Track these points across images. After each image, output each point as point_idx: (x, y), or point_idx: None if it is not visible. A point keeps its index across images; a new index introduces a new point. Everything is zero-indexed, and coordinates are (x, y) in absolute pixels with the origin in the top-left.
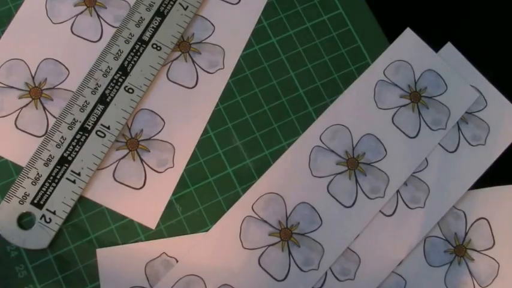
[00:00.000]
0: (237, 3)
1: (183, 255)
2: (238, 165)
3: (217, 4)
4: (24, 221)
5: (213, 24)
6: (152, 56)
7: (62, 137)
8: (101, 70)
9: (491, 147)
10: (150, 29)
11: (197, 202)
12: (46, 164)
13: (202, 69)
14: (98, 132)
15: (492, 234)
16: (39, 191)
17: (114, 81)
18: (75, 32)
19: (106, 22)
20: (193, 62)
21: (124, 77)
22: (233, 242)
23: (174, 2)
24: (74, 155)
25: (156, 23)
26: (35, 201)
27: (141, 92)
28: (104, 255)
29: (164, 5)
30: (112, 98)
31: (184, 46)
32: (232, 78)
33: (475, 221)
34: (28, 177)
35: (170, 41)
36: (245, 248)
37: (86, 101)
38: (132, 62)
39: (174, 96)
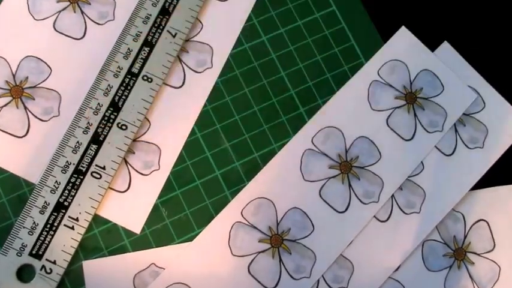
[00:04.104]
0: (225, 0)
1: (169, 263)
2: (226, 168)
3: (205, 1)
4: (24, 274)
5: (201, 22)
6: (144, 89)
7: (56, 181)
8: (91, 108)
9: (490, 150)
10: (139, 61)
11: (184, 206)
12: (42, 212)
13: (190, 69)
14: (94, 174)
15: (492, 237)
16: (36, 241)
17: (106, 118)
18: (58, 29)
19: (90, 19)
20: (181, 61)
21: (116, 113)
22: (222, 249)
23: (162, 30)
24: (70, 200)
25: (144, 53)
26: (34, 252)
27: (135, 128)
28: (91, 267)
29: (152, 34)
30: (105, 136)
31: None
32: (221, 77)
33: (474, 223)
34: (24, 227)
35: (161, 71)
36: (234, 255)
37: (78, 142)
38: (123, 97)
39: (160, 96)
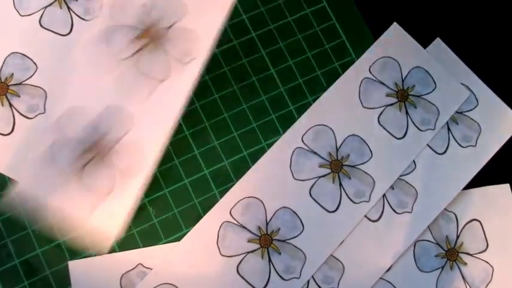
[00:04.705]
0: None
1: (157, 263)
2: (215, 167)
3: None
4: None
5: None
6: None
7: None
8: None
9: (483, 148)
10: None
11: (171, 205)
12: None
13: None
14: None
15: (485, 237)
16: None
17: None
18: (44, 25)
19: (76, 14)
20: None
21: None
22: (210, 249)
23: None
24: None
25: None
26: None
27: None
28: (77, 267)
29: None
30: None
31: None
32: (210, 74)
33: (466, 223)
34: None
35: None
36: (223, 255)
37: None
38: None
39: (145, 91)
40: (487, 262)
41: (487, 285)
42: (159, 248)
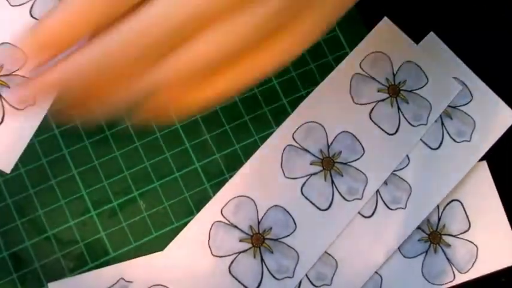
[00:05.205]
0: None
1: (148, 263)
2: (206, 160)
3: None
4: None
5: None
6: None
7: None
8: None
9: (477, 143)
10: None
11: (162, 199)
12: None
13: None
14: None
15: (467, 216)
16: None
17: None
18: (34, 15)
19: None
20: None
21: None
22: (201, 249)
23: None
24: None
25: None
26: None
27: None
28: None
29: None
30: None
31: None
32: None
33: (447, 204)
34: None
35: None
36: (214, 256)
37: None
38: None
39: None
40: (471, 242)
41: (473, 264)
42: (139, 261)
